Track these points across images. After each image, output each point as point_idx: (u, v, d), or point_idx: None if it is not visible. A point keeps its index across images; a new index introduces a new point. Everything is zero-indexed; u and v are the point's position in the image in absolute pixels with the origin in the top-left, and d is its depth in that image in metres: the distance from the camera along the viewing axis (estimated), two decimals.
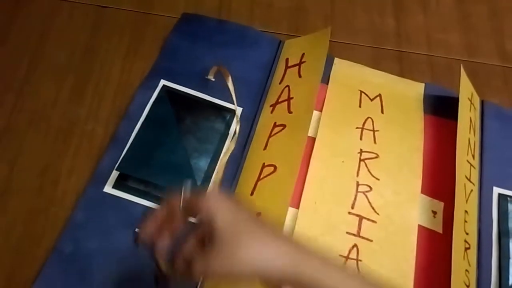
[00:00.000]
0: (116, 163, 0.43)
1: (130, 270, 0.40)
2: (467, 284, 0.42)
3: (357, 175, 0.46)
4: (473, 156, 0.49)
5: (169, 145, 0.44)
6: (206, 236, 0.30)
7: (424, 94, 0.54)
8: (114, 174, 0.43)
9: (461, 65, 0.51)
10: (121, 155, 0.44)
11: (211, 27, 0.55)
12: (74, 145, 0.46)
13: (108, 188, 0.43)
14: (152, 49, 0.53)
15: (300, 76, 0.51)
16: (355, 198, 0.45)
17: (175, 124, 0.46)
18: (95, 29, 0.54)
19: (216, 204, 0.29)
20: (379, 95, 0.53)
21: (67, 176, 0.44)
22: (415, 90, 0.55)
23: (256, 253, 0.28)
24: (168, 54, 0.52)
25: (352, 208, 0.44)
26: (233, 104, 0.49)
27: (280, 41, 0.56)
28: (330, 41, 0.55)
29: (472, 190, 0.47)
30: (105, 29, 0.55)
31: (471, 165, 0.48)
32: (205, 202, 0.30)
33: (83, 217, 0.41)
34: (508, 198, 0.48)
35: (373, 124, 0.50)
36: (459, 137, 0.46)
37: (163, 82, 0.49)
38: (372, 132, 0.50)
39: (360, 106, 0.52)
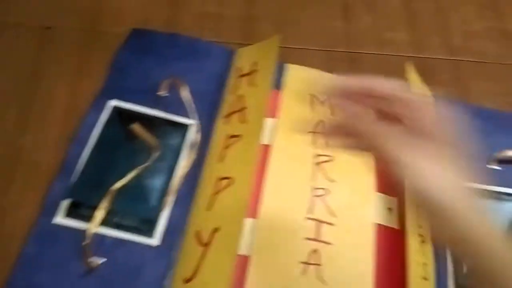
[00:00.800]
0: (67, 191, 0.42)
1: None
2: (426, 278, 0.43)
3: (313, 180, 0.47)
4: None
5: (122, 168, 0.44)
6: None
7: None
8: (66, 202, 0.42)
9: (408, 62, 0.52)
10: (71, 181, 0.43)
11: (161, 42, 0.55)
12: (21, 175, 0.44)
13: (59, 218, 0.42)
14: (101, 68, 0.52)
15: (252, 85, 0.51)
16: (312, 203, 0.46)
17: (127, 145, 0.46)
18: (40, 51, 0.53)
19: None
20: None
21: (16, 208, 0.43)
22: None
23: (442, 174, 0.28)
24: (118, 72, 0.52)
25: (310, 213, 0.45)
26: (188, 117, 0.49)
27: (232, 51, 0.56)
28: (282, 47, 0.56)
29: None
30: (51, 50, 0.53)
31: None
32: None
33: (35, 250, 0.40)
34: None
35: (325, 128, 0.51)
36: None
37: (113, 102, 0.49)
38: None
39: (312, 110, 0.52)
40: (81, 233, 0.41)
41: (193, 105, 0.50)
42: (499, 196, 0.49)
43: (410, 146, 0.29)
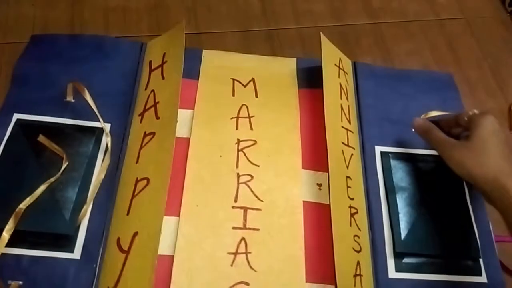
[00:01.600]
0: None
1: None
2: (358, 249, 0.42)
3: (237, 167, 0.45)
4: (349, 121, 0.50)
5: (31, 184, 0.41)
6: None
7: (297, 69, 0.54)
8: None
9: (320, 33, 0.50)
10: None
11: (64, 45, 0.52)
12: None
13: None
14: (2, 82, 0.49)
15: (163, 77, 0.49)
16: (237, 191, 0.44)
17: (35, 159, 0.43)
18: None
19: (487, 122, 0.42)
20: (252, 79, 0.52)
21: None
22: (287, 66, 0.54)
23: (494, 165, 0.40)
24: (20, 83, 0.48)
25: (236, 201, 0.44)
26: (99, 121, 0.46)
27: (143, 44, 0.53)
28: (196, 34, 0.54)
29: (352, 155, 0.48)
30: None
31: (347, 130, 0.49)
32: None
33: None
34: (390, 155, 0.49)
35: (248, 111, 0.49)
36: (327, 106, 0.46)
37: (16, 116, 0.46)
38: (247, 119, 0.49)
39: (233, 95, 0.51)
40: None
41: (104, 107, 0.47)
42: (426, 158, 0.49)
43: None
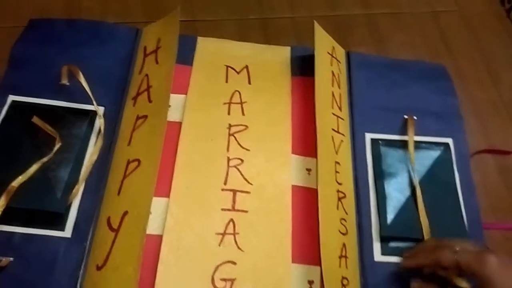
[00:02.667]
0: None
1: None
2: (344, 232, 0.43)
3: (228, 151, 0.46)
4: (340, 108, 0.50)
5: (25, 163, 0.42)
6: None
7: (291, 57, 0.55)
8: None
9: (314, 20, 0.51)
10: None
11: (60, 30, 0.52)
12: None
13: None
14: (2, 66, 0.49)
15: (157, 62, 0.49)
16: (227, 174, 0.45)
17: (29, 139, 0.44)
18: None
19: (497, 273, 0.35)
20: (246, 66, 0.53)
21: None
22: (281, 55, 0.55)
23: None
24: (16, 66, 0.49)
25: (225, 184, 0.44)
26: (93, 104, 0.47)
27: (138, 30, 0.54)
28: (191, 21, 0.55)
29: (342, 141, 0.48)
30: None
31: (338, 117, 0.49)
32: (484, 268, 0.35)
33: None
34: (380, 142, 0.50)
35: (240, 97, 0.50)
36: (318, 93, 0.47)
37: (11, 97, 0.47)
38: (239, 105, 0.50)
39: (226, 82, 0.51)
40: None
41: (99, 90, 0.48)
42: (417, 144, 0.50)
43: None
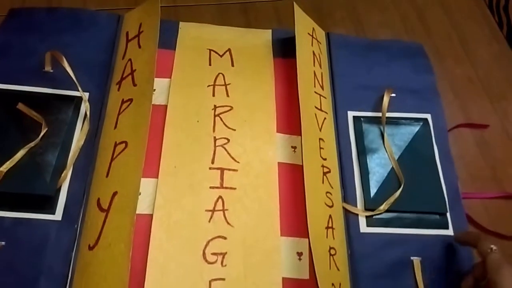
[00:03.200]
0: None
1: None
2: (330, 204, 0.44)
3: (214, 131, 0.47)
4: (322, 87, 0.52)
5: (11, 149, 0.42)
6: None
7: (272, 40, 0.56)
8: None
9: (293, 2, 0.52)
10: None
11: (41, 18, 0.52)
12: None
13: None
14: None
15: (139, 46, 0.50)
16: (214, 153, 0.46)
17: (15, 126, 0.44)
18: None
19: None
20: (229, 49, 0.54)
21: None
22: (263, 37, 0.56)
23: None
24: None
25: (213, 163, 0.45)
26: (77, 90, 0.47)
27: (120, 16, 0.54)
28: (173, 6, 0.55)
29: (325, 118, 0.50)
30: None
31: (320, 95, 0.51)
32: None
33: None
34: (362, 119, 0.51)
35: (224, 79, 0.51)
36: (300, 72, 0.47)
37: None
38: (224, 87, 0.50)
39: (210, 65, 0.52)
40: None
41: (83, 77, 0.48)
42: (397, 121, 0.51)
43: None
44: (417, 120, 0.52)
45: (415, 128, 0.51)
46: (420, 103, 0.53)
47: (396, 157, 0.49)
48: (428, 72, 0.56)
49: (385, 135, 0.50)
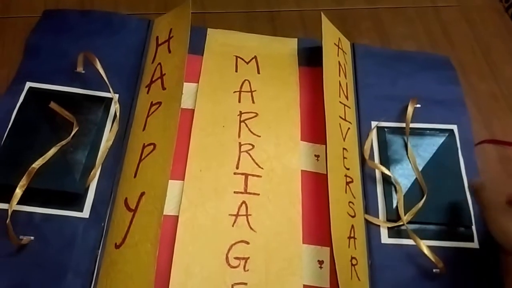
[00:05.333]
0: None
1: None
2: (352, 214, 0.45)
3: (239, 136, 0.48)
4: (347, 97, 0.52)
5: (43, 147, 0.43)
6: None
7: (298, 49, 0.56)
8: None
9: (321, 13, 0.53)
10: None
11: (74, 20, 0.54)
12: None
13: None
14: (14, 53, 0.51)
15: (169, 51, 0.51)
16: (238, 159, 0.46)
17: (47, 124, 0.45)
18: None
19: None
20: (255, 57, 0.55)
21: None
22: (288, 46, 0.57)
23: None
24: (32, 55, 0.51)
25: (237, 168, 0.46)
26: (108, 91, 0.48)
27: (150, 21, 0.56)
28: (201, 13, 0.56)
29: (349, 128, 0.50)
30: None
31: (345, 105, 0.51)
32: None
33: None
34: (385, 129, 0.52)
35: (250, 85, 0.52)
36: (326, 82, 0.48)
37: (29, 84, 0.48)
38: (250, 93, 0.51)
39: (236, 71, 0.53)
40: (6, 213, 0.41)
41: (112, 79, 0.49)
42: (423, 131, 0.52)
43: None
44: (442, 131, 0.52)
45: (441, 139, 0.51)
46: (446, 114, 0.53)
47: (420, 168, 0.49)
48: (454, 83, 0.56)
49: (409, 145, 0.50)
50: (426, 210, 0.46)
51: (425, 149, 0.50)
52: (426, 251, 0.43)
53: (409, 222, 0.46)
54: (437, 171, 0.49)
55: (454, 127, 0.52)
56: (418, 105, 0.52)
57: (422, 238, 0.45)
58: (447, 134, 0.51)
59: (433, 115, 0.52)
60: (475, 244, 0.46)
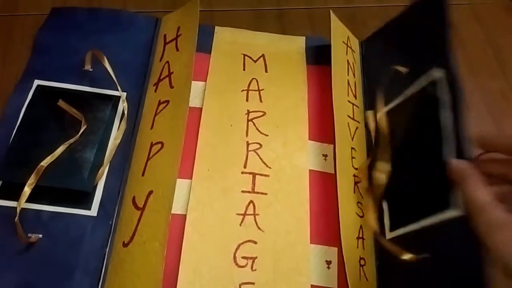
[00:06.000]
0: None
1: None
2: (361, 214, 0.44)
3: (247, 135, 0.48)
4: (355, 96, 0.52)
5: (51, 144, 0.43)
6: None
7: (306, 47, 0.56)
8: None
9: (330, 11, 0.52)
10: None
11: (82, 17, 0.53)
12: None
13: None
14: (23, 51, 0.51)
15: (177, 49, 0.50)
16: (246, 158, 0.46)
17: (55, 122, 0.45)
18: None
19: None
20: (262, 55, 0.54)
21: None
22: (296, 44, 0.56)
23: None
24: (40, 52, 0.50)
25: (245, 167, 0.46)
26: (116, 89, 0.48)
27: (158, 19, 0.55)
28: (209, 11, 0.56)
29: (357, 128, 0.50)
30: None
31: (353, 104, 0.51)
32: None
33: None
34: None
35: (258, 84, 0.51)
36: (335, 80, 0.48)
37: (37, 81, 0.48)
38: (257, 92, 0.51)
39: (244, 69, 0.53)
40: (15, 211, 0.41)
41: (120, 77, 0.49)
42: None
43: None
44: None
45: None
46: None
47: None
48: None
49: None
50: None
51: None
52: None
53: None
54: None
55: None
56: None
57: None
58: None
59: None
60: None
